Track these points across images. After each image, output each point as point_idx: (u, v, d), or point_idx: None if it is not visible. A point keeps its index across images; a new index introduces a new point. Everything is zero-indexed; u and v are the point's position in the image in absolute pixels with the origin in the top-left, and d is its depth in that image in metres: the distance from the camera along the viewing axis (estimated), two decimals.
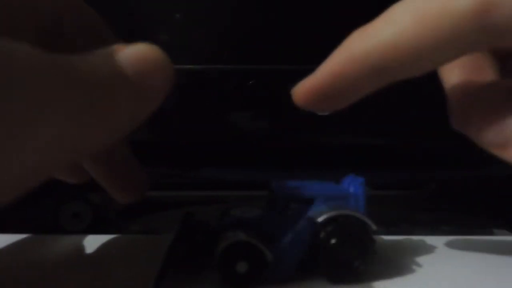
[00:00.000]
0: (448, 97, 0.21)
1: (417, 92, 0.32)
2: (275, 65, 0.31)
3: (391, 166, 0.35)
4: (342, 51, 0.18)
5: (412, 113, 0.33)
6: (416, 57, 0.17)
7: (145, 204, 0.36)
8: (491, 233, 0.30)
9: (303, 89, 0.19)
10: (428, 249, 0.26)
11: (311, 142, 0.34)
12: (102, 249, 0.26)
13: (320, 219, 0.21)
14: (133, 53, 0.15)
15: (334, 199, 0.22)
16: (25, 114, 0.12)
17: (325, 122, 0.32)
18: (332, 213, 0.21)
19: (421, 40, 0.17)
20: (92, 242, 0.27)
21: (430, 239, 0.27)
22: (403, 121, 0.33)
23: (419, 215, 0.35)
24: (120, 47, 0.15)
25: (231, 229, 0.21)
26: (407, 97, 0.32)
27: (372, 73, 0.18)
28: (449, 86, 0.21)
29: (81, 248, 0.25)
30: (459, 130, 0.20)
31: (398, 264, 0.23)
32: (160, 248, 0.23)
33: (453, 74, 0.21)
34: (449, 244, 0.26)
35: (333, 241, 0.21)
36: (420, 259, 0.24)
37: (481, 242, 0.27)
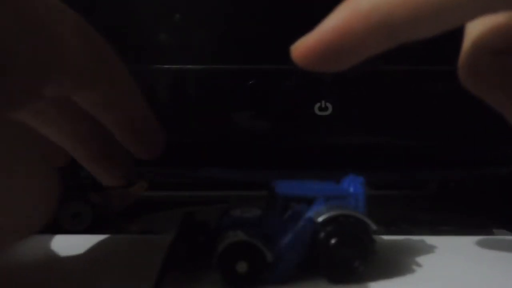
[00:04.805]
0: (467, 53, 0.19)
1: (417, 92, 0.32)
2: (275, 65, 0.31)
3: (391, 166, 0.35)
4: (347, 5, 0.16)
5: (412, 112, 0.33)
6: (429, 13, 0.15)
7: (145, 204, 0.37)
8: (491, 233, 0.30)
9: (303, 47, 0.17)
10: (428, 249, 0.26)
11: (311, 142, 0.34)
12: (102, 249, 0.26)
13: (320, 219, 0.21)
14: None
15: (334, 199, 0.22)
16: None
17: (325, 121, 0.32)
18: (332, 213, 0.21)
19: None
20: (92, 242, 0.27)
21: (430, 239, 0.27)
22: (403, 121, 0.33)
23: (419, 215, 0.35)
24: None
25: (231, 229, 0.21)
26: (407, 97, 0.32)
27: (381, 30, 0.16)
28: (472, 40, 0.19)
29: (81, 248, 0.25)
30: (465, 85, 0.19)
31: (398, 264, 0.23)
32: (160, 248, 0.23)
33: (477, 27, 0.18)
34: (449, 244, 0.26)
35: (333, 241, 0.21)
36: (420, 259, 0.24)
37: (481, 242, 0.27)
